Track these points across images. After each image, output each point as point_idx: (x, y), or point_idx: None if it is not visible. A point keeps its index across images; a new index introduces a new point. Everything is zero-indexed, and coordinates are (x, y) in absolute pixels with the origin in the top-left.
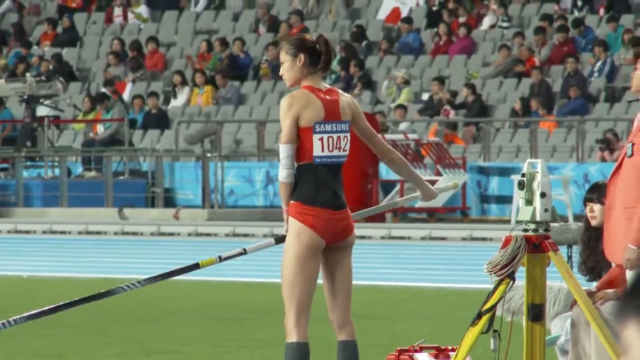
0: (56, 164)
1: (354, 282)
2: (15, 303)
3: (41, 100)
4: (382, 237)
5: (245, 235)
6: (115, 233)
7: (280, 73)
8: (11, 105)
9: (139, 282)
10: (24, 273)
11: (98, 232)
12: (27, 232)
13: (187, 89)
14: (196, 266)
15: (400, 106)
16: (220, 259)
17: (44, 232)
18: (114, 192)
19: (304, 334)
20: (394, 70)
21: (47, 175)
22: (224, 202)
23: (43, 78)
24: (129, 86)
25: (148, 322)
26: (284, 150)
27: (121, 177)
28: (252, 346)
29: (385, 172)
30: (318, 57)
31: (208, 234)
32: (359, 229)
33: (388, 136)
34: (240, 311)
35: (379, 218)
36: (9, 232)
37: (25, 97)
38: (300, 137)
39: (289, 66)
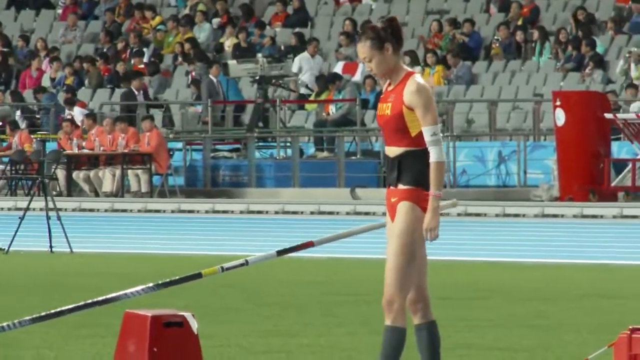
0: (288, 144)
1: (586, 261)
2: (249, 283)
3: (273, 81)
4: (614, 217)
5: (478, 214)
6: (348, 213)
7: (368, 69)
8: (243, 85)
9: (142, 289)
10: (256, 254)
11: (330, 212)
12: (260, 212)
13: (418, 69)
14: (198, 275)
15: (631, 85)
16: (223, 269)
17: (276, 213)
18: (346, 172)
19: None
20: (624, 48)
21: (280, 156)
22: (455, 182)
23: (275, 57)
24: (360, 66)
25: (374, 301)
26: (439, 130)
27: (353, 157)
28: (482, 326)
29: (617, 151)
30: (398, 40)
31: (441, 214)
32: (591, 208)
33: (620, 115)
34: (470, 291)
35: (610, 197)
36: (241, 212)
37: (257, 77)
38: None
39: (379, 60)
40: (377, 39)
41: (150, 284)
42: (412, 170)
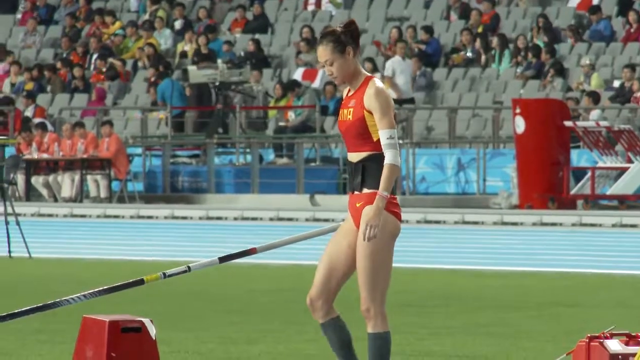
0: (248, 150)
1: (545, 269)
2: (208, 288)
3: (232, 87)
4: (573, 224)
5: (437, 222)
6: (307, 219)
7: (329, 73)
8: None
9: (84, 295)
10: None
11: (289, 219)
12: (219, 218)
13: (378, 75)
14: (141, 281)
15: (591, 93)
16: (165, 276)
17: (235, 219)
18: (305, 179)
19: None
20: (584, 57)
21: (239, 162)
22: (415, 189)
23: (235, 63)
24: (320, 73)
25: (341, 309)
26: (396, 134)
27: (312, 164)
28: (442, 333)
29: (577, 159)
30: (357, 44)
31: (401, 221)
32: (550, 216)
33: (579, 123)
34: (429, 298)
35: (570, 205)
36: (200, 218)
37: (217, 83)
38: None
39: (341, 64)
40: (338, 42)
41: (93, 290)
42: (377, 174)
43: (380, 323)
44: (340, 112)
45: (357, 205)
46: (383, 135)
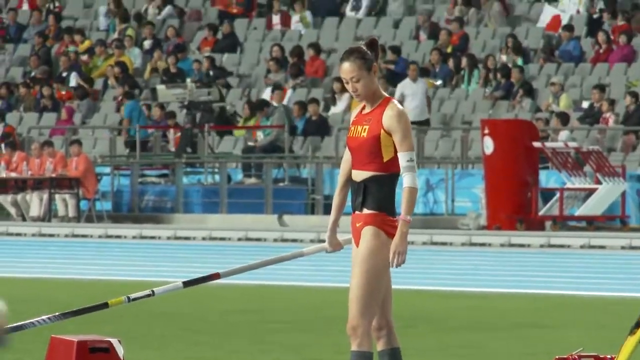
0: (216, 170)
1: (514, 290)
2: (174, 308)
3: (201, 107)
4: (542, 246)
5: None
6: (275, 240)
7: (353, 90)
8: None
9: (48, 318)
10: (182, 280)
11: (258, 239)
12: (187, 238)
13: (347, 95)
14: (105, 305)
15: (560, 114)
16: (129, 300)
17: (203, 239)
18: (273, 199)
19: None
20: (553, 77)
21: (207, 182)
22: None
23: (204, 82)
24: (289, 92)
25: (306, 329)
26: (415, 157)
27: (281, 184)
28: (410, 355)
29: (545, 180)
30: (377, 62)
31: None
32: (518, 237)
33: (548, 144)
34: (397, 319)
35: (538, 226)
36: (168, 238)
37: (186, 102)
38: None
39: (367, 81)
40: (365, 59)
41: (57, 313)
42: (378, 195)
43: (367, 342)
44: (353, 128)
45: (357, 225)
46: (403, 157)
